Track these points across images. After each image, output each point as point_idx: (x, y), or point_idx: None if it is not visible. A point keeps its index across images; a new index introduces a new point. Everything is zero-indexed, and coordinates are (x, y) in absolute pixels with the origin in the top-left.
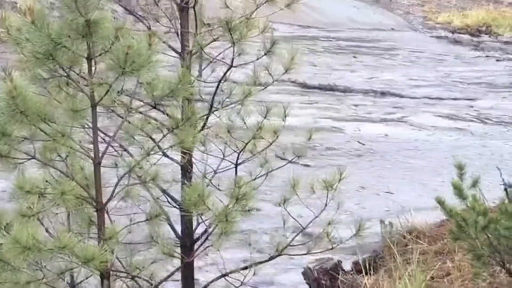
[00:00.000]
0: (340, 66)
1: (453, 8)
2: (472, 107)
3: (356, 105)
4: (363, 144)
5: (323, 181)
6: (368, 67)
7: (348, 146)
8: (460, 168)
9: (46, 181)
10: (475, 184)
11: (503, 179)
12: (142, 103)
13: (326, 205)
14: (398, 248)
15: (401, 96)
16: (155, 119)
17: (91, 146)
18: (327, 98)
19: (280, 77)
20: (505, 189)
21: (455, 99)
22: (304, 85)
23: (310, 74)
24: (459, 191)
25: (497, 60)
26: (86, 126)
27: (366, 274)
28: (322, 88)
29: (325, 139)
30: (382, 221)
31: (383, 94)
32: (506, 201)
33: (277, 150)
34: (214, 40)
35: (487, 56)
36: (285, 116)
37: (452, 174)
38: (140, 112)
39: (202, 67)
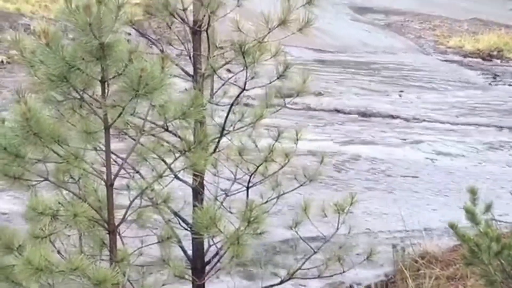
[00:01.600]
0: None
1: (465, 33)
2: (485, 132)
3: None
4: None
5: (334, 204)
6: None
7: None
8: (473, 192)
9: (59, 202)
10: (488, 209)
11: None
12: (154, 126)
13: (337, 228)
14: (410, 273)
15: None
16: (168, 142)
17: (104, 168)
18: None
19: (292, 101)
20: None
21: (466, 124)
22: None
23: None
24: (472, 216)
25: (510, 85)
26: (99, 148)
27: None
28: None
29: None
30: (394, 245)
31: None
32: None
33: None
34: (227, 63)
35: (499, 81)
36: (297, 140)
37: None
38: (153, 135)
39: (214, 90)
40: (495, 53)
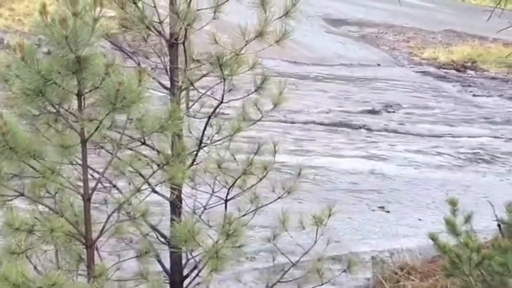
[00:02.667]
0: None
1: (439, 44)
2: (457, 142)
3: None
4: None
5: (312, 216)
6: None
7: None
8: (453, 203)
9: (35, 217)
10: (467, 220)
11: (496, 215)
12: (131, 139)
13: (315, 241)
14: (390, 284)
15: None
16: (145, 155)
17: (81, 182)
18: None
19: (269, 112)
20: (498, 225)
21: (439, 136)
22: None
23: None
24: (452, 227)
25: (481, 96)
26: (76, 162)
27: None
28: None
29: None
30: (373, 257)
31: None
32: (500, 236)
33: None
34: (204, 75)
35: (472, 92)
36: (275, 152)
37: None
38: (130, 148)
39: (191, 103)
40: (469, 64)
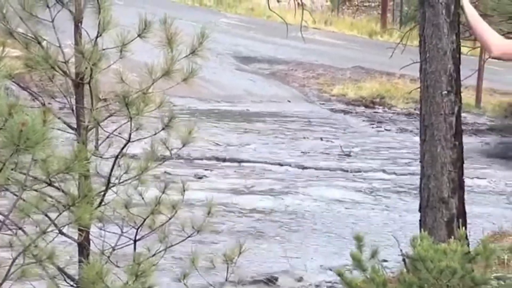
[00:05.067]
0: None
1: (348, 81)
2: (364, 178)
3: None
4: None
5: (223, 255)
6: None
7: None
8: (359, 239)
9: None
10: (374, 255)
11: (401, 250)
12: (37, 180)
13: (226, 279)
14: None
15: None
16: (51, 197)
17: None
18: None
19: (178, 151)
20: (403, 260)
21: (346, 170)
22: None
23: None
24: (358, 263)
25: (388, 130)
26: None
27: None
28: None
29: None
30: None
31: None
32: (405, 271)
33: None
34: (111, 115)
35: (380, 127)
36: (184, 191)
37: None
38: (36, 190)
39: (99, 143)
40: (377, 100)
